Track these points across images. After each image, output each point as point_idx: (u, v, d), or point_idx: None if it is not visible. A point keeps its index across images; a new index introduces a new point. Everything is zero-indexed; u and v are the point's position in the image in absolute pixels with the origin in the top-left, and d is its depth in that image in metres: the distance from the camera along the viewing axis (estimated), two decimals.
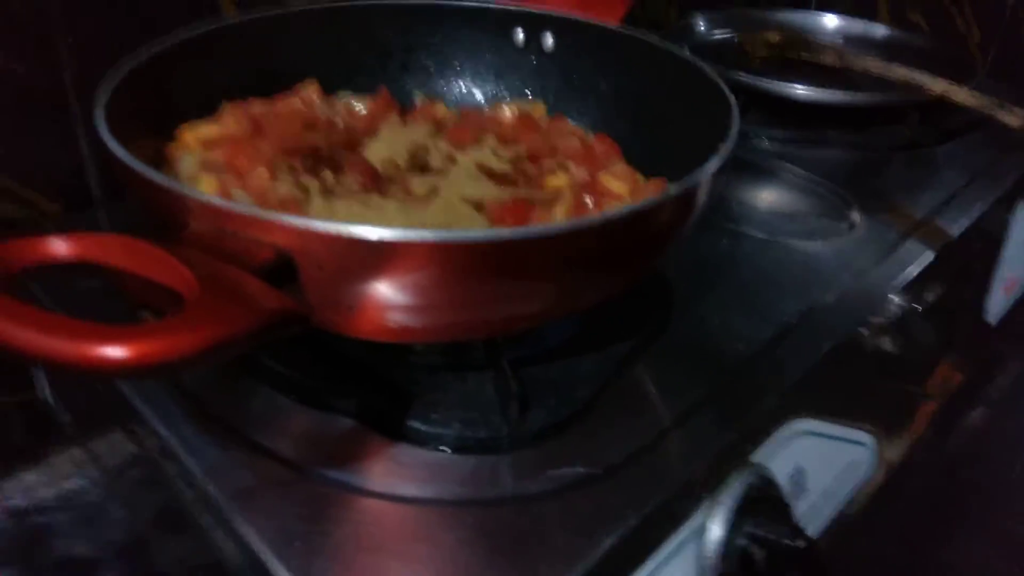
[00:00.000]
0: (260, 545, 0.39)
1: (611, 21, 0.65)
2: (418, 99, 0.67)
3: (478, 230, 0.36)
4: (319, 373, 0.48)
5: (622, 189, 0.53)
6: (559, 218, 0.49)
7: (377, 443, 0.45)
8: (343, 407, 0.47)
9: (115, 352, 0.27)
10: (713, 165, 0.42)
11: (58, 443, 0.70)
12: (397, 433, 0.45)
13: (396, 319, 0.40)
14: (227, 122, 0.55)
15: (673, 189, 0.40)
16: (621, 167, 0.55)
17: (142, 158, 0.51)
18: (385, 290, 0.38)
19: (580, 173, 0.54)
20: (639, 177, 0.57)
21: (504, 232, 0.36)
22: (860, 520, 0.60)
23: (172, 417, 0.46)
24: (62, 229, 0.63)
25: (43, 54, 0.63)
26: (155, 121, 0.55)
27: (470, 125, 0.60)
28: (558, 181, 0.53)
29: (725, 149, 0.44)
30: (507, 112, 0.61)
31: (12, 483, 0.70)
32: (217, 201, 0.37)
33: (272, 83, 0.63)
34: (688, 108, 0.55)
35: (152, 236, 0.36)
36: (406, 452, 0.45)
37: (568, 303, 0.44)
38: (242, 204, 0.36)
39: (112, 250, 0.32)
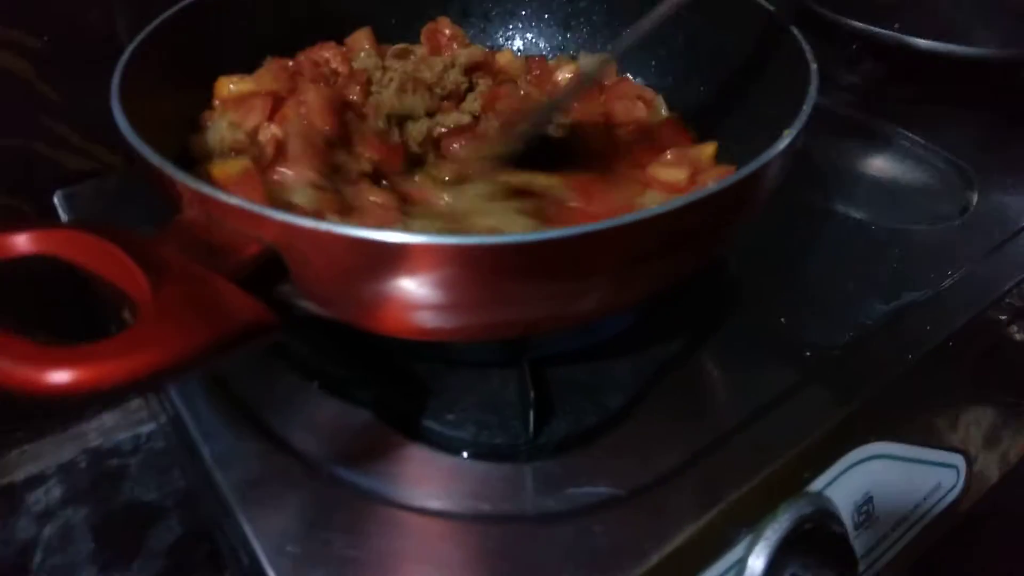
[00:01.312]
0: (255, 544, 0.38)
1: None
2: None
3: (476, 236, 0.32)
4: (342, 360, 0.46)
5: (679, 176, 0.47)
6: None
7: (392, 441, 0.42)
8: (362, 399, 0.44)
9: (49, 376, 0.25)
10: (770, 155, 0.36)
11: None
12: (413, 431, 0.42)
13: (400, 317, 0.37)
14: (263, 78, 0.52)
15: (714, 187, 0.34)
16: (676, 153, 0.49)
17: (173, 120, 0.51)
18: (379, 289, 0.34)
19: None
20: (703, 155, 0.50)
21: (491, 240, 0.32)
22: (944, 549, 0.53)
23: (191, 390, 0.45)
24: (124, 181, 0.65)
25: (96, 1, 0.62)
26: (196, 78, 0.53)
27: (516, 93, 0.54)
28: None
29: (789, 136, 0.37)
30: (564, 74, 0.55)
31: (94, 424, 0.73)
32: (204, 189, 0.34)
33: (328, 31, 0.59)
34: (768, 71, 0.48)
35: (142, 222, 0.34)
36: (420, 453, 0.42)
37: (601, 305, 0.39)
38: (226, 194, 0.33)
39: (73, 246, 0.30)
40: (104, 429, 0.73)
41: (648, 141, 0.52)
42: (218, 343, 0.28)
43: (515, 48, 0.63)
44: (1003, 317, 0.53)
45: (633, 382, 0.44)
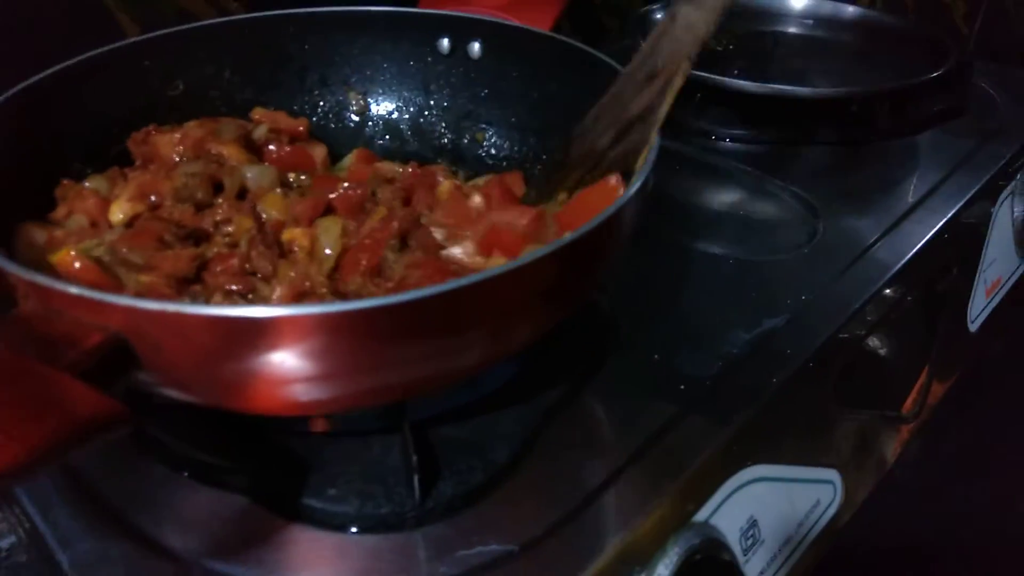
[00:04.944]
0: None
1: (541, 27, 0.60)
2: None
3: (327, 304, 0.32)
4: (211, 445, 0.43)
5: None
6: None
7: (272, 525, 0.40)
8: (236, 484, 0.42)
9: None
10: (618, 204, 0.37)
11: None
12: (293, 512, 0.41)
13: (271, 394, 0.35)
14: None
15: (572, 235, 0.35)
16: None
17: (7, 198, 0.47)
18: (245, 368, 0.33)
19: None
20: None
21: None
22: (829, 566, 0.55)
23: (45, 494, 0.42)
24: None
25: None
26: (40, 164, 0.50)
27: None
28: None
29: (637, 182, 0.39)
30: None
31: None
32: (38, 279, 0.32)
33: (175, 110, 0.58)
34: None
35: None
36: (303, 535, 0.40)
37: (479, 359, 0.39)
38: (62, 282, 0.31)
39: None
40: None
41: None
42: (55, 442, 0.26)
43: (381, 114, 0.64)
44: (860, 332, 0.57)
45: (519, 433, 0.44)
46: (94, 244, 0.41)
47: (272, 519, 0.40)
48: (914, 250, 0.62)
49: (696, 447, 0.44)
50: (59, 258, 0.39)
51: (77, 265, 0.38)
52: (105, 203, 0.47)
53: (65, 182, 0.49)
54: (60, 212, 0.47)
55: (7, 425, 0.25)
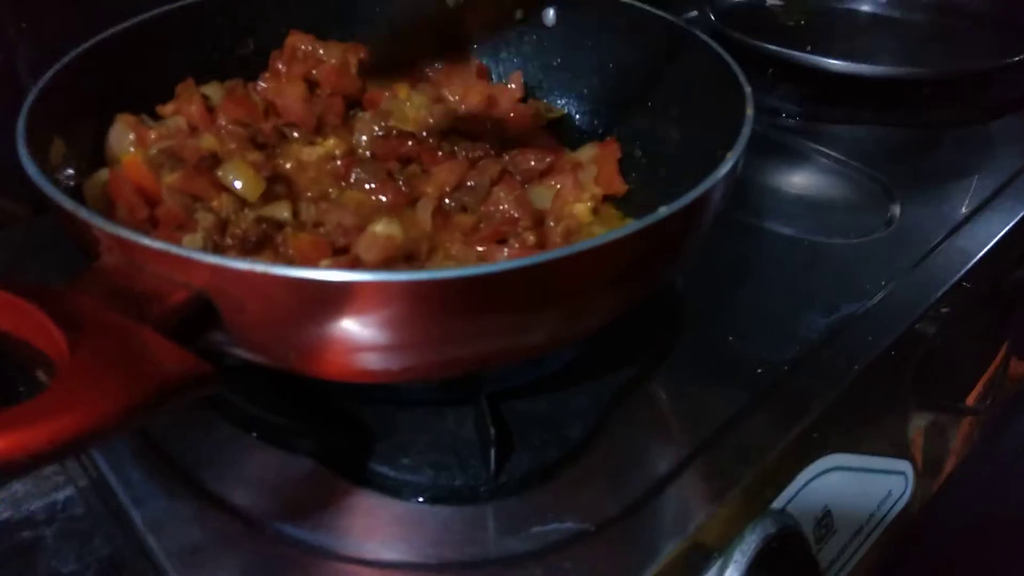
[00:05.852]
0: None
1: None
2: None
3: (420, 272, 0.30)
4: (281, 407, 0.43)
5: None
6: None
7: (340, 490, 0.40)
8: (304, 447, 0.41)
9: None
10: (716, 178, 0.36)
11: None
12: (363, 479, 0.40)
13: (347, 361, 0.35)
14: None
15: (665, 211, 0.34)
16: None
17: (88, 155, 0.47)
18: (324, 332, 0.32)
19: None
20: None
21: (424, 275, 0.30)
22: (897, 556, 0.53)
23: (116, 451, 0.42)
24: (31, 233, 0.61)
25: None
26: (112, 108, 0.49)
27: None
28: None
29: (732, 158, 0.37)
30: None
31: (2, 495, 0.66)
32: (124, 233, 0.31)
33: (246, 68, 0.57)
34: (701, 94, 0.48)
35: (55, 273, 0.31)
36: (371, 501, 0.39)
37: (559, 335, 0.38)
38: (149, 238, 0.30)
39: None
40: (14, 499, 0.67)
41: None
42: (146, 400, 0.25)
43: None
44: (938, 322, 0.55)
45: (591, 411, 0.43)
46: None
47: (340, 484, 0.40)
48: (993, 240, 0.60)
49: (774, 433, 0.43)
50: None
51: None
52: (209, 111, 0.49)
53: (189, 80, 0.51)
54: (168, 108, 0.50)
55: (99, 381, 0.25)
